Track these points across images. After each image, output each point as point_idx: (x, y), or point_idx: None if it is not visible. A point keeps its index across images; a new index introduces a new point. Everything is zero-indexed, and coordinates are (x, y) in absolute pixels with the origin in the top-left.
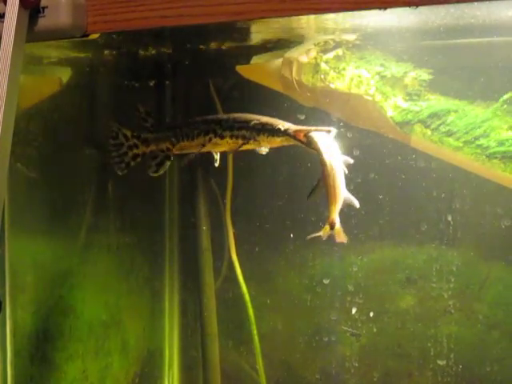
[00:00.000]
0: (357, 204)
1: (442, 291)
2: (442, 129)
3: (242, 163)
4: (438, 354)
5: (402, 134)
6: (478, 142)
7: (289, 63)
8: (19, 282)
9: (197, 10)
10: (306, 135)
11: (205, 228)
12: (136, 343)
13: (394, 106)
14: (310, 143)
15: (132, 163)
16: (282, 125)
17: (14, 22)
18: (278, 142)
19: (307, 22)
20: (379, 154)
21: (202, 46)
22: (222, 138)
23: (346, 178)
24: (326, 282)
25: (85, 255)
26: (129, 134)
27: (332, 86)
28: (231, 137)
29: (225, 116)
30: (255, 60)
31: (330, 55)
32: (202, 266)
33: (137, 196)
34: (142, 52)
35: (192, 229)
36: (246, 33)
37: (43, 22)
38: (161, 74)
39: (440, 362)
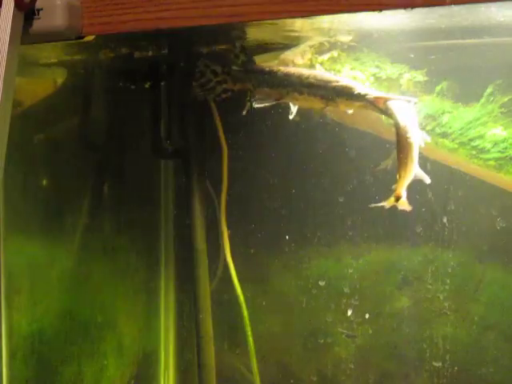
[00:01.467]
0: (427, 180)
1: (438, 292)
2: (438, 130)
3: (237, 164)
4: (434, 355)
5: None
6: (473, 144)
7: (284, 65)
8: (14, 283)
9: (192, 12)
10: (386, 103)
11: (200, 229)
12: (131, 345)
13: None
14: (388, 112)
15: (223, 96)
16: (362, 89)
17: (9, 25)
18: (356, 106)
19: (302, 24)
20: (375, 155)
21: (197, 48)
22: (301, 93)
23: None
24: (321, 283)
25: (80, 257)
26: (219, 69)
27: None
28: (309, 94)
29: (307, 72)
30: None
31: (325, 57)
32: (197, 267)
33: (132, 197)
34: (137, 54)
35: (187, 230)
36: (240, 34)
37: (38, 24)
38: (156, 75)
39: (436, 364)
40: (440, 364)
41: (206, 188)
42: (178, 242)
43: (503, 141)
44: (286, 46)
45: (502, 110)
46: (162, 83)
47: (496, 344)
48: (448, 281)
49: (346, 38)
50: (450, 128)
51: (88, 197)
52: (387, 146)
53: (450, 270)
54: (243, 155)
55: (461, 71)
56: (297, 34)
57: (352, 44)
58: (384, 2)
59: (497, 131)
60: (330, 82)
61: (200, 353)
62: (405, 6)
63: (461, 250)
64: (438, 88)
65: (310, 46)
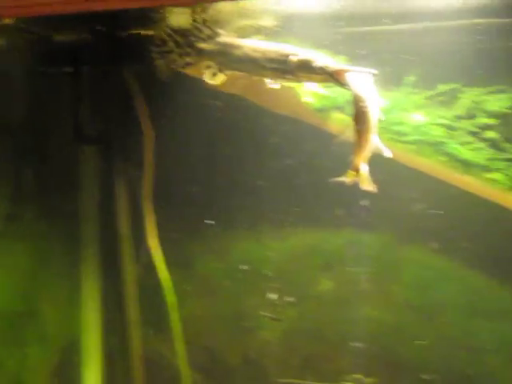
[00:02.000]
0: (387, 153)
1: (360, 274)
2: None
3: (160, 149)
4: (356, 336)
5: (320, 120)
6: (394, 128)
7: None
8: None
9: None
10: (345, 75)
11: (124, 214)
12: (55, 333)
13: (312, 93)
14: (347, 84)
15: (183, 69)
16: (322, 62)
17: None
18: (316, 79)
19: (226, 8)
20: (297, 139)
21: (119, 32)
22: (264, 68)
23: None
24: (244, 267)
25: (1, 245)
26: (182, 41)
27: None
28: (271, 69)
29: (270, 46)
30: None
31: None
32: (121, 253)
33: (55, 183)
34: (58, 37)
35: (111, 216)
36: (162, 19)
37: None
38: (77, 60)
39: (358, 345)
40: (361, 344)
41: (130, 174)
42: (101, 228)
43: (424, 125)
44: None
45: (422, 95)
46: (84, 68)
47: (416, 323)
48: (369, 263)
49: (270, 23)
50: None
51: (9, 183)
52: (309, 129)
53: (371, 253)
54: (166, 140)
55: (382, 57)
56: (221, 18)
57: (276, 29)
58: None
59: (417, 116)
60: (291, 55)
61: (126, 338)
62: None
63: (382, 232)
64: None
65: (234, 31)
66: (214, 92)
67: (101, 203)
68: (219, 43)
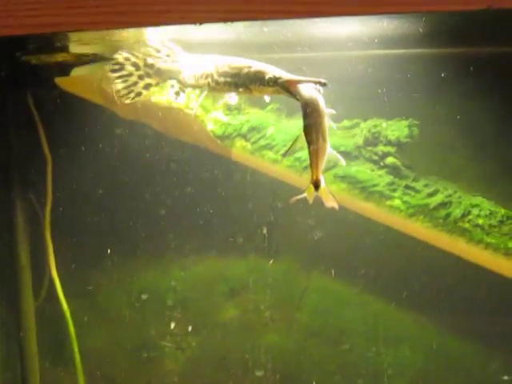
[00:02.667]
0: (343, 162)
1: (264, 302)
2: (262, 142)
3: (61, 177)
4: (257, 364)
5: (223, 148)
6: (295, 155)
7: (109, 76)
8: None
9: (9, 21)
10: (297, 86)
11: (23, 244)
12: None
13: (214, 120)
14: (298, 94)
15: (144, 92)
16: (274, 73)
17: None
18: (269, 91)
19: (128, 35)
20: (199, 167)
21: (19, 58)
22: (217, 83)
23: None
24: (144, 296)
25: None
26: (141, 62)
27: (153, 99)
28: (225, 84)
29: (223, 60)
30: (75, 72)
31: None
32: (20, 284)
33: None
34: None
35: (10, 246)
36: (65, 44)
37: None
38: None
39: (258, 373)
40: (262, 373)
41: (30, 201)
42: (0, 259)
43: None
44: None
45: None
46: None
47: (320, 349)
48: (273, 290)
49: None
50: (274, 140)
51: None
52: (212, 157)
53: (274, 280)
54: (67, 169)
55: None
56: (123, 45)
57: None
58: (202, 16)
59: None
60: (243, 68)
61: (24, 371)
62: (225, 20)
63: (283, 259)
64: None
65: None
66: (114, 119)
67: None
68: (177, 61)
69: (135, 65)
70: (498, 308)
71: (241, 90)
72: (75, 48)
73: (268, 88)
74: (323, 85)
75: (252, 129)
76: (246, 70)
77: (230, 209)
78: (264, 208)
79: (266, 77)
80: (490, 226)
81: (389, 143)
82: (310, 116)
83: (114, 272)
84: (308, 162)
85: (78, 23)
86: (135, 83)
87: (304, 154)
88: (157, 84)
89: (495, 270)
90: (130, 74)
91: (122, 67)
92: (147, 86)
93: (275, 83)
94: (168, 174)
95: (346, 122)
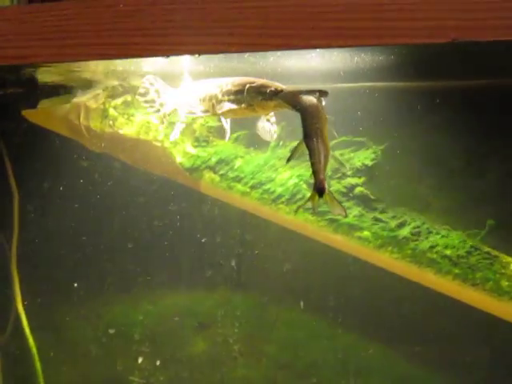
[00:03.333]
0: (346, 167)
1: (232, 335)
2: (231, 174)
3: (27, 211)
4: None
5: (192, 180)
6: (264, 187)
7: (77, 108)
8: None
9: None
10: (297, 97)
11: None
12: None
13: (183, 152)
14: (299, 104)
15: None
16: (275, 86)
17: None
18: (271, 106)
19: (95, 67)
20: (167, 199)
21: None
22: (221, 102)
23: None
24: (111, 331)
25: None
26: (162, 89)
27: (121, 131)
28: (229, 101)
29: (226, 80)
30: (42, 104)
31: (119, 101)
32: None
33: None
34: None
35: None
36: (30, 76)
37: None
38: None
39: None
40: None
41: None
42: None
43: (292, 185)
44: (79, 89)
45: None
46: None
47: (289, 381)
48: (242, 323)
49: (139, 83)
50: (243, 172)
51: None
52: (180, 189)
53: (243, 313)
54: (33, 202)
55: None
56: (89, 77)
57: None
58: (174, 48)
59: (285, 176)
60: (245, 84)
61: None
62: (192, 53)
63: (252, 292)
64: (232, 135)
65: (104, 90)
66: (81, 151)
67: None
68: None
69: (157, 90)
70: (467, 338)
71: (243, 106)
72: (42, 80)
73: (270, 103)
74: (324, 94)
75: (220, 161)
76: (248, 86)
77: (199, 242)
78: (233, 241)
79: (268, 90)
80: (458, 256)
81: (356, 172)
82: (311, 122)
83: (81, 306)
84: (277, 194)
85: (44, 55)
86: (156, 110)
87: (272, 185)
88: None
89: (464, 301)
90: (153, 100)
91: (147, 92)
92: (159, 110)
93: (276, 96)
94: (136, 206)
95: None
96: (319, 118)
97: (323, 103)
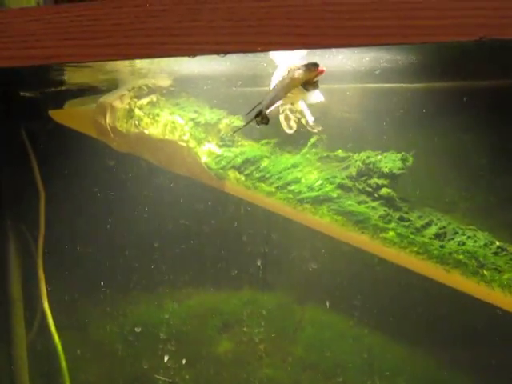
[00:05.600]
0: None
1: (257, 335)
2: (256, 174)
3: (54, 209)
4: None
5: (217, 180)
6: (289, 188)
7: (103, 108)
8: None
9: (2, 54)
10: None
11: (15, 277)
12: None
13: (208, 152)
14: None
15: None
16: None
17: None
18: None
19: (121, 67)
20: (192, 199)
21: (12, 90)
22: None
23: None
24: (139, 330)
25: None
26: None
27: (146, 131)
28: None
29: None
30: (69, 105)
31: (144, 101)
32: (12, 317)
33: None
34: None
35: (2, 278)
36: (58, 77)
37: None
38: None
39: None
40: None
41: (23, 233)
42: None
43: (317, 184)
44: (105, 90)
45: (318, 156)
46: None
47: (314, 383)
48: (267, 323)
49: (165, 83)
50: (268, 172)
51: None
52: (205, 189)
53: (268, 313)
54: (60, 201)
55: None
56: (115, 77)
57: (171, 89)
58: (200, 48)
59: (313, 176)
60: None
61: None
62: (218, 52)
63: (278, 292)
64: (257, 132)
65: (129, 90)
66: (107, 151)
67: None
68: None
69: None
70: (494, 340)
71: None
72: (69, 80)
73: (292, 88)
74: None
75: (246, 161)
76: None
77: (224, 241)
78: (258, 240)
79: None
80: (485, 257)
81: (382, 175)
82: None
83: (107, 305)
84: (303, 195)
85: (71, 55)
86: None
87: (298, 186)
88: None
89: (490, 302)
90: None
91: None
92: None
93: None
94: (162, 206)
95: (340, 152)
96: (294, 78)
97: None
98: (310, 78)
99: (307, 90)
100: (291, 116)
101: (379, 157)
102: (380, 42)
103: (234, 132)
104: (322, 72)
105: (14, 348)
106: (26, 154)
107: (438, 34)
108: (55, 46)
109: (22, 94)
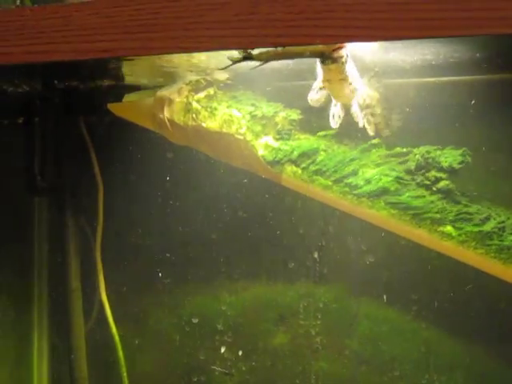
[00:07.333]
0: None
1: (313, 328)
2: (312, 168)
3: (113, 200)
4: None
5: (273, 173)
6: (346, 181)
7: (161, 102)
8: None
9: (63, 47)
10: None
11: (74, 267)
12: None
13: (265, 145)
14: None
15: None
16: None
17: None
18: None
19: (179, 61)
20: (249, 191)
21: (72, 84)
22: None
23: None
24: (196, 321)
25: None
26: None
27: (203, 124)
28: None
29: None
30: (127, 98)
31: (202, 94)
32: (71, 307)
33: (3, 234)
34: (9, 89)
35: (61, 268)
36: (116, 70)
37: None
38: (30, 111)
39: None
40: None
41: (81, 225)
42: (51, 281)
43: (374, 177)
44: (163, 83)
45: (376, 150)
46: (36, 119)
47: (370, 378)
48: (323, 316)
49: (222, 77)
50: (325, 166)
51: None
52: (262, 182)
53: (324, 306)
54: (118, 193)
55: None
56: (173, 71)
57: (228, 82)
58: (258, 41)
59: (370, 169)
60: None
61: None
62: (276, 45)
63: (334, 285)
64: (313, 125)
65: (187, 84)
66: (165, 144)
67: (50, 256)
68: None
69: None
70: None
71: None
72: (127, 73)
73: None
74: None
75: (303, 154)
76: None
77: (281, 234)
78: (315, 233)
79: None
80: None
81: (441, 169)
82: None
83: (165, 296)
84: (360, 188)
85: (130, 48)
86: None
87: (355, 179)
88: None
89: None
90: None
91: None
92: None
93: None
94: (219, 198)
95: (398, 149)
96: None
97: None
98: (327, 50)
99: (323, 63)
100: (371, 119)
101: (438, 152)
102: (441, 34)
103: (231, 64)
104: (340, 47)
105: (73, 338)
106: (85, 147)
107: (499, 26)
108: (114, 39)
109: (81, 87)
